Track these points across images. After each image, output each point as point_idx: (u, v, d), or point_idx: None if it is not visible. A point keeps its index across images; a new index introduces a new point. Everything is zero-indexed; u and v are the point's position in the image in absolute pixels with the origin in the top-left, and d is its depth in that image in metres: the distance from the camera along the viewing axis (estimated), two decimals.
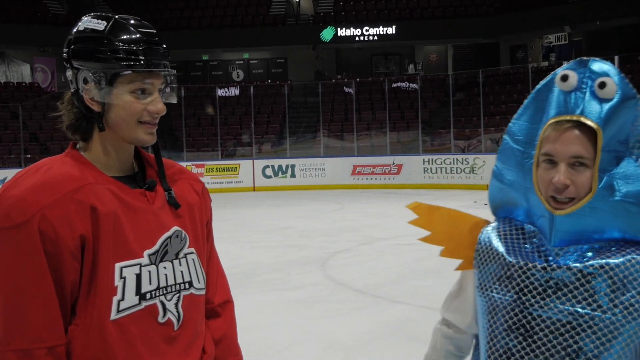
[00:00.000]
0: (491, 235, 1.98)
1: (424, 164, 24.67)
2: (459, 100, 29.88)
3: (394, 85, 31.88)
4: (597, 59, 1.84)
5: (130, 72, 1.85)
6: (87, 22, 1.89)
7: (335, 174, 25.57)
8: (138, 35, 1.87)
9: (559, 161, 1.78)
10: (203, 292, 2.04)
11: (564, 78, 1.82)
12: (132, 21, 1.91)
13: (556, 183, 1.77)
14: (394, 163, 25.24)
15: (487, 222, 2.05)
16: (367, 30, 35.46)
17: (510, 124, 1.95)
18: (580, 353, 1.75)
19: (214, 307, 2.16)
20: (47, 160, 1.90)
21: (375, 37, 35.58)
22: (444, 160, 24.35)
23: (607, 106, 1.76)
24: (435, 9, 36.07)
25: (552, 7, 31.87)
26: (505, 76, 32.08)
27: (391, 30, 35.34)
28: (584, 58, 1.84)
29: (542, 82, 1.92)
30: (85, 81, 1.86)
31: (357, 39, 35.68)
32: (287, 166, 26.01)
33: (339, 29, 35.50)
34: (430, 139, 28.19)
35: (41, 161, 1.90)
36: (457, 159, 24.21)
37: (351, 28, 35.51)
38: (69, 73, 1.91)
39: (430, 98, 30.97)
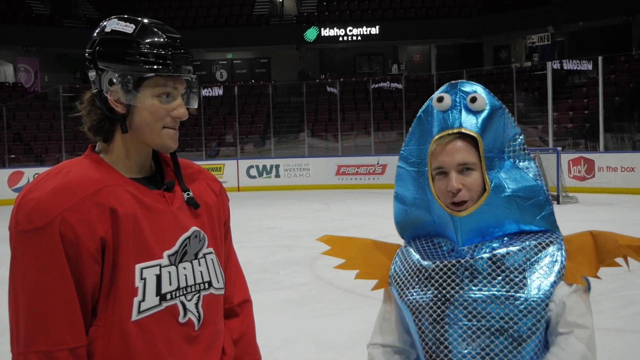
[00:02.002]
0: (405, 251, 2.19)
1: None
2: None
3: (378, 85, 31.89)
4: (464, 80, 2.11)
5: (156, 75, 1.86)
6: (114, 25, 1.90)
7: (319, 174, 25.56)
8: (166, 40, 1.89)
9: (449, 170, 2.01)
10: (222, 291, 2.05)
11: (440, 99, 2.08)
12: (158, 25, 1.92)
13: (450, 189, 2.00)
14: (378, 163, 25.26)
15: (399, 246, 2.26)
16: (350, 31, 35.49)
17: (401, 152, 2.19)
18: (503, 331, 1.94)
19: (233, 307, 2.17)
20: (66, 163, 1.90)
21: (359, 38, 35.62)
22: None
23: (480, 117, 2.03)
24: (418, 10, 36.15)
25: (536, 8, 32.02)
26: (489, 76, 32.20)
27: (374, 30, 35.39)
28: (453, 82, 2.11)
29: (421, 109, 2.17)
30: (111, 82, 1.86)
31: (340, 39, 35.71)
32: (271, 166, 25.98)
33: (322, 29, 35.52)
34: None
35: (61, 164, 1.91)
36: None
37: (335, 28, 35.54)
38: (92, 74, 1.90)
39: (413, 98, 30.99)
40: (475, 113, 2.02)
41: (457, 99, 2.05)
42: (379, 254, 2.25)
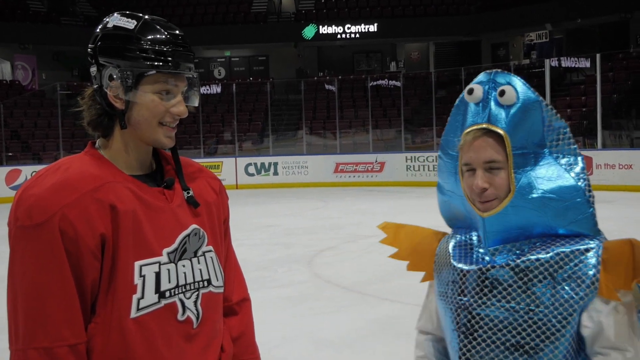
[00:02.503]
0: (446, 245, 2.12)
1: (406, 161, 24.70)
2: (441, 98, 29.93)
3: (376, 82, 31.89)
4: (500, 71, 2.00)
5: (156, 72, 1.86)
6: (117, 20, 1.89)
7: (317, 172, 25.55)
8: (167, 36, 1.89)
9: (476, 168, 1.93)
10: (221, 290, 2.05)
11: (470, 92, 1.99)
12: (161, 22, 1.92)
13: (475, 188, 1.93)
14: (376, 161, 25.26)
15: (445, 234, 2.20)
16: (348, 28, 35.43)
17: (441, 140, 2.12)
18: (518, 347, 1.87)
19: (232, 305, 2.17)
20: (66, 159, 1.90)
21: (357, 35, 35.57)
22: (427, 158, 24.39)
23: (510, 112, 1.91)
24: (416, 7, 36.11)
25: (534, 5, 31.98)
26: None
27: (373, 28, 35.34)
28: (489, 71, 2.01)
29: (459, 98, 2.07)
30: (111, 78, 1.86)
31: (338, 36, 35.65)
32: (269, 164, 25.96)
33: (320, 27, 35.46)
34: (412, 136, 28.24)
35: (60, 160, 1.90)
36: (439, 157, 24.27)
37: (333, 26, 35.48)
38: (93, 69, 1.91)
39: (412, 95, 31.03)
40: (505, 107, 1.92)
41: (489, 91, 1.96)
42: (428, 245, 2.20)
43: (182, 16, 36.44)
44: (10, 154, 26.34)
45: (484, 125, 1.93)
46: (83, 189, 1.79)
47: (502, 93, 1.92)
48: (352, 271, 9.69)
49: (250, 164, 25.94)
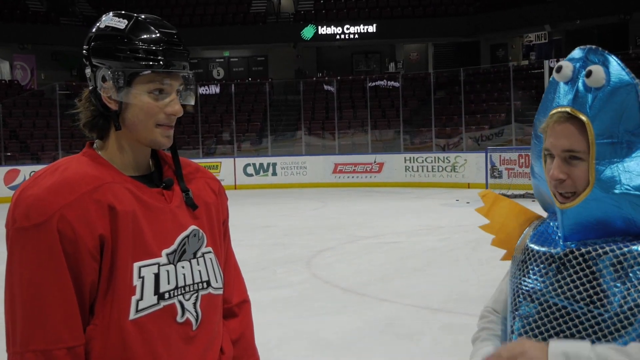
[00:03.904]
0: (532, 229, 1.98)
1: (405, 162, 24.72)
2: (440, 99, 29.97)
3: (375, 83, 31.91)
4: (597, 48, 1.81)
5: (149, 72, 1.84)
6: (109, 20, 1.88)
7: (316, 173, 25.56)
8: (158, 35, 1.87)
9: (555, 155, 1.78)
10: (221, 291, 2.03)
11: (558, 69, 1.81)
12: (153, 21, 1.90)
13: (551, 178, 1.78)
14: (375, 161, 25.27)
15: (540, 218, 2.05)
16: (347, 29, 35.44)
17: (534, 120, 1.94)
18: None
19: (231, 307, 2.15)
20: (64, 160, 1.89)
21: (356, 36, 35.57)
22: (425, 159, 24.41)
23: (597, 95, 1.73)
24: (415, 8, 36.11)
25: (532, 6, 32.01)
26: (486, 75, 32.20)
27: (372, 28, 35.34)
28: (584, 47, 1.82)
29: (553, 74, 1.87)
30: (104, 79, 1.85)
31: (337, 37, 35.65)
32: (268, 164, 25.97)
33: (319, 27, 35.46)
34: (411, 137, 28.24)
35: (58, 161, 1.89)
36: (438, 157, 24.28)
37: (332, 26, 35.48)
38: (87, 70, 1.89)
39: (411, 96, 31.03)
40: (593, 90, 1.73)
41: (579, 70, 1.78)
42: (519, 226, 2.04)
43: (181, 16, 36.43)
44: (9, 153, 26.33)
45: (568, 109, 1.76)
46: (82, 189, 1.77)
47: (589, 74, 1.74)
48: (351, 272, 9.68)
49: (248, 165, 25.94)
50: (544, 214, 2.07)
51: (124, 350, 1.79)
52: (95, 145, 1.95)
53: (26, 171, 22.33)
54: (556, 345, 1.65)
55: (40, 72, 34.61)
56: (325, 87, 32.24)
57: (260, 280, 9.11)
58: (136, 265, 1.81)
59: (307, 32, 35.43)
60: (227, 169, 25.58)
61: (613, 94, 1.72)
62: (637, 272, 1.70)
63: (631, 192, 1.71)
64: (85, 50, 1.89)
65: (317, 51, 38.66)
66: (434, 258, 10.27)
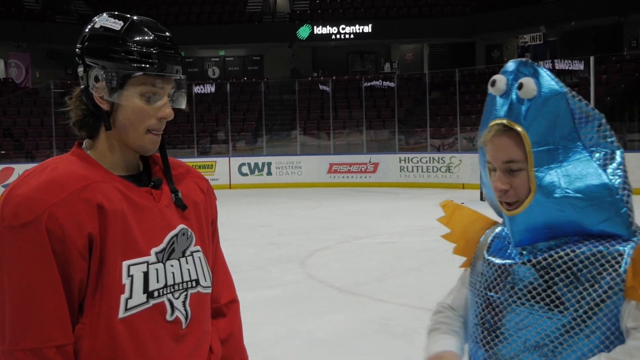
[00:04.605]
0: (489, 236, 2.06)
1: (400, 162, 24.73)
2: (435, 99, 29.99)
3: (370, 83, 31.92)
4: (527, 60, 1.89)
5: (141, 74, 1.84)
6: (104, 21, 1.88)
7: (311, 172, 25.56)
8: (153, 38, 1.87)
9: (496, 168, 1.87)
10: (209, 290, 2.03)
11: (492, 83, 1.89)
12: (148, 23, 1.90)
13: (495, 189, 1.87)
14: (370, 161, 25.28)
15: (497, 224, 2.12)
16: (343, 29, 35.49)
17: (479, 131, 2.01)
18: (537, 347, 1.81)
19: (220, 307, 2.15)
20: (53, 160, 1.89)
21: (352, 36, 35.63)
22: (420, 159, 24.42)
23: (529, 106, 1.81)
24: (411, 8, 36.16)
25: (528, 7, 32.07)
26: (481, 75, 32.19)
27: (367, 28, 35.39)
28: (517, 60, 1.90)
29: None
30: (97, 79, 1.85)
31: (333, 37, 35.70)
32: (263, 164, 25.96)
33: (315, 27, 35.51)
34: (406, 137, 28.26)
35: (47, 160, 1.89)
36: (433, 158, 24.29)
37: (327, 26, 35.53)
38: (80, 69, 1.90)
39: (406, 97, 31.05)
40: (524, 102, 1.82)
41: (512, 83, 1.85)
42: (476, 233, 2.12)
43: (178, 15, 36.44)
44: (3, 152, 26.30)
45: (504, 121, 1.84)
46: (70, 188, 1.77)
47: (520, 86, 1.82)
48: (346, 271, 9.69)
49: (243, 164, 25.93)
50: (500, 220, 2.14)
51: (114, 349, 1.79)
52: (84, 144, 1.95)
53: (20, 169, 22.28)
54: None
55: (35, 71, 34.56)
56: (321, 87, 32.24)
57: (255, 280, 9.11)
58: (125, 263, 1.81)
59: (303, 32, 35.47)
60: (222, 168, 25.57)
61: (545, 103, 1.81)
62: (587, 274, 1.78)
63: (571, 194, 1.79)
64: (78, 49, 1.89)
65: (312, 51, 38.69)
66: (429, 258, 10.26)
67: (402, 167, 24.62)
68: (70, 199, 1.76)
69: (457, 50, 37.36)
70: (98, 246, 1.78)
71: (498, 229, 2.06)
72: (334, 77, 32.50)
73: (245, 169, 25.84)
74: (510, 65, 1.89)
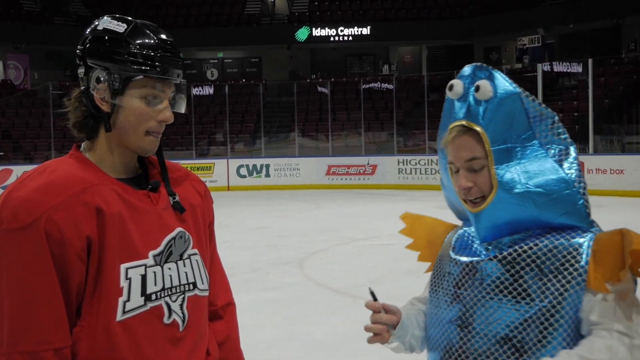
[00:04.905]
0: (451, 237, 2.13)
1: (398, 164, 24.71)
2: (434, 101, 29.91)
3: (369, 85, 31.90)
4: (481, 64, 1.97)
5: (143, 77, 1.85)
6: (107, 23, 1.89)
7: (309, 174, 25.53)
8: (156, 42, 1.89)
9: (459, 167, 1.94)
10: (206, 293, 2.04)
11: (450, 88, 1.98)
12: (150, 27, 1.92)
13: (459, 188, 1.93)
14: (368, 163, 25.26)
15: (457, 227, 2.19)
16: (341, 31, 35.49)
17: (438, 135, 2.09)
18: (507, 340, 1.85)
19: (217, 309, 2.16)
20: (51, 162, 1.90)
21: (350, 38, 35.63)
22: (419, 161, 24.40)
23: (486, 107, 1.90)
24: (409, 10, 36.18)
25: (526, 10, 32.10)
26: None
27: (366, 30, 35.40)
28: (472, 65, 1.99)
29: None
30: (98, 80, 1.86)
31: (331, 39, 35.71)
32: (261, 166, 25.93)
33: (313, 29, 35.52)
34: (404, 139, 28.25)
35: (45, 163, 1.90)
36: (431, 160, 24.25)
37: (326, 28, 35.54)
38: (80, 70, 1.91)
39: (404, 99, 31.04)
40: (482, 103, 1.90)
41: (468, 86, 1.94)
42: (438, 237, 2.20)
43: (176, 17, 36.44)
44: (2, 153, 26.27)
45: (464, 123, 1.93)
46: (69, 191, 1.78)
47: (477, 88, 1.90)
48: (344, 274, 9.68)
49: (242, 166, 25.90)
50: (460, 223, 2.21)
51: (111, 351, 1.79)
52: (82, 146, 1.96)
53: (19, 171, 22.25)
54: None
55: (34, 72, 34.55)
56: (319, 88, 32.22)
57: (253, 282, 9.11)
58: (123, 266, 1.81)
59: (301, 34, 35.47)
60: (220, 170, 25.55)
61: (501, 104, 1.89)
62: (550, 266, 1.84)
63: (531, 189, 1.86)
64: (79, 50, 1.90)
65: (311, 53, 38.70)
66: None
67: (400, 169, 24.61)
68: (69, 201, 1.77)
69: (456, 52, 37.36)
70: (96, 249, 1.79)
71: (460, 231, 2.12)
72: (333, 79, 32.51)
73: (243, 171, 25.81)
74: (467, 69, 1.97)
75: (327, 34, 35.54)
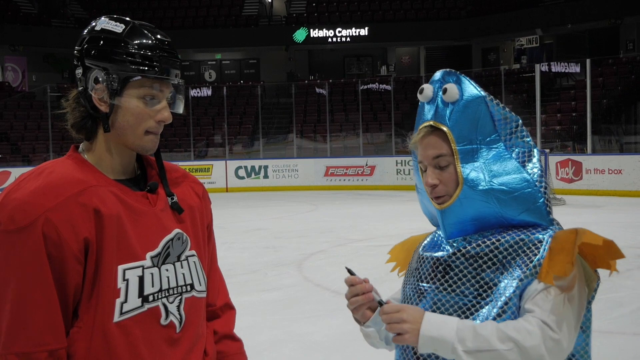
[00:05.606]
0: (424, 242, 2.20)
1: (397, 165, 24.73)
2: None
3: (367, 86, 31.88)
4: (449, 71, 2.08)
5: (142, 77, 1.85)
6: (105, 24, 1.89)
7: (308, 175, 25.54)
8: (154, 42, 1.89)
9: (427, 165, 2.04)
10: (204, 294, 2.04)
11: (421, 91, 2.09)
12: (148, 27, 1.92)
13: (426, 185, 2.03)
14: (366, 164, 25.28)
15: (430, 233, 2.27)
16: (339, 32, 35.50)
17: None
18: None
19: (215, 310, 2.17)
20: (49, 163, 1.89)
21: (348, 39, 35.64)
22: None
23: (453, 109, 2.01)
24: (407, 11, 36.20)
25: (524, 10, 32.12)
26: (477, 78, 32.13)
27: (364, 31, 35.42)
28: (441, 71, 2.09)
29: None
30: (97, 81, 1.86)
31: (329, 40, 35.72)
32: (260, 167, 25.94)
33: (311, 30, 35.52)
34: (402, 140, 28.20)
35: (43, 164, 1.90)
36: None
37: (324, 29, 35.54)
38: (78, 71, 1.90)
39: (402, 100, 31.04)
40: (450, 105, 2.01)
41: (436, 90, 2.05)
42: (414, 243, 2.30)
43: (174, 19, 36.43)
44: (0, 155, 26.25)
45: (431, 123, 2.03)
46: (67, 192, 1.78)
47: (444, 91, 2.01)
48: (342, 275, 9.54)
49: (240, 167, 25.91)
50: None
51: (108, 353, 1.79)
52: (80, 147, 1.96)
53: (17, 173, 22.22)
54: (426, 328, 1.88)
55: (32, 74, 34.57)
56: (317, 90, 32.21)
57: (251, 283, 9.10)
58: (121, 268, 1.81)
59: (299, 35, 35.47)
60: (219, 171, 25.56)
61: (467, 106, 2.00)
62: (511, 261, 1.92)
63: (495, 187, 1.96)
64: (77, 51, 1.90)
65: (309, 54, 38.72)
66: None
67: (398, 170, 24.62)
68: (67, 203, 1.77)
69: (454, 53, 37.41)
70: (94, 250, 1.79)
71: (433, 234, 2.21)
72: (331, 80, 32.52)
73: (242, 172, 25.82)
74: (437, 74, 2.09)
75: (325, 35, 35.55)
